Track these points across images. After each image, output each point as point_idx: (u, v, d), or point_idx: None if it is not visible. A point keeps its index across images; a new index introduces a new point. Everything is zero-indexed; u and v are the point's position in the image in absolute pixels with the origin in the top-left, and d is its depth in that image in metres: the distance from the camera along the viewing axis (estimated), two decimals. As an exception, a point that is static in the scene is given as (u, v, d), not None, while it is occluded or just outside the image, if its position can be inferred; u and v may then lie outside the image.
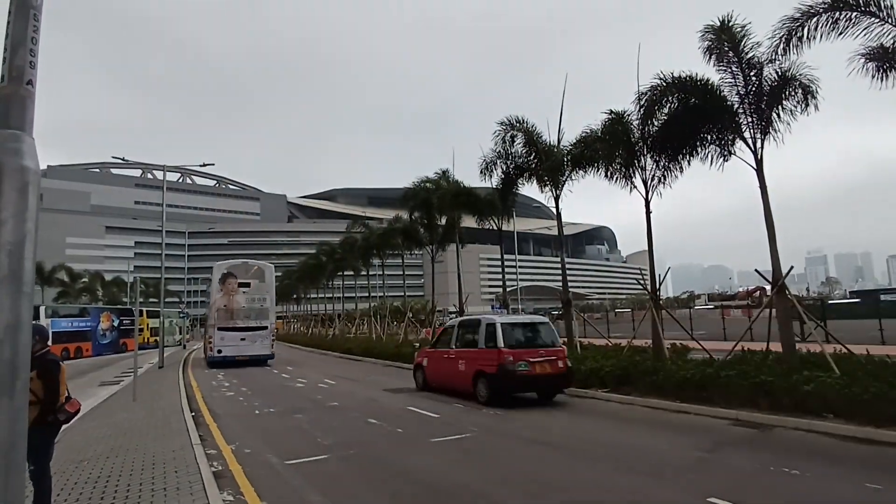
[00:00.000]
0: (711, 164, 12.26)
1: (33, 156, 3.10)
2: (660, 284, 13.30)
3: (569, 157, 15.51)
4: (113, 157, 30.14)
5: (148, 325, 47.23)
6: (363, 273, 37.81)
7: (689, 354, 13.39)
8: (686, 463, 6.80)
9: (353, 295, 43.69)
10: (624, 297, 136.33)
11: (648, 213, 13.39)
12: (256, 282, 25.15)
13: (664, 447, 7.61)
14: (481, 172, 17.68)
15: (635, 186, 13.55)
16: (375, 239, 31.31)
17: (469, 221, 24.26)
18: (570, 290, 16.68)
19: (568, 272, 16.81)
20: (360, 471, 6.91)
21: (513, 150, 16.93)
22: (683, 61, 12.87)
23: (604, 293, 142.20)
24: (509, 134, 16.61)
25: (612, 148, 13.52)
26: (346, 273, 41.67)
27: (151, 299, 64.70)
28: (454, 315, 60.96)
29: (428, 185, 23.36)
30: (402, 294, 42.81)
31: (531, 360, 11.00)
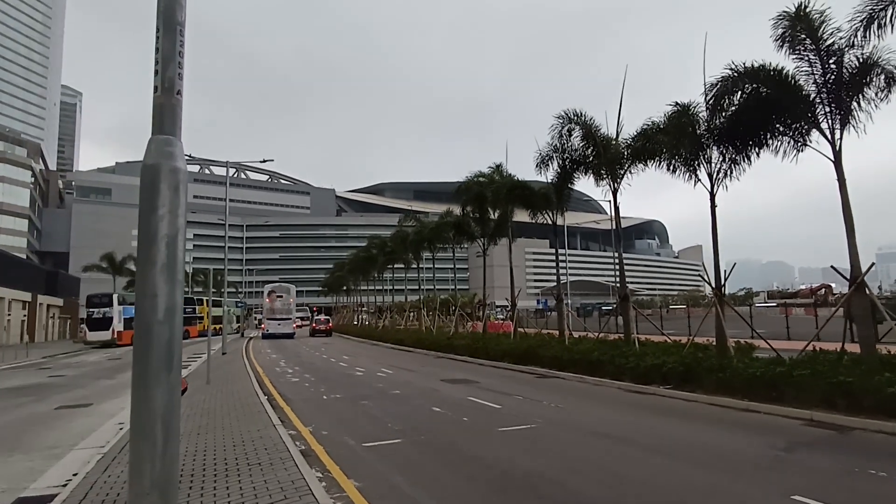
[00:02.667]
0: (784, 156, 11.83)
1: (182, 158, 3.49)
2: (725, 280, 12.95)
3: (629, 151, 15.26)
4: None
5: (209, 313, 49.65)
6: (413, 266, 38.40)
7: (755, 353, 13.02)
8: (763, 461, 6.71)
9: (403, 287, 44.44)
10: (676, 293, 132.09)
11: (713, 206, 13.02)
12: (285, 295, 47.51)
13: (737, 445, 7.51)
14: (537, 166, 17.63)
15: (699, 180, 13.20)
16: (427, 232, 31.71)
17: (519, 216, 24.25)
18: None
19: (616, 266, 16.57)
20: (433, 455, 7.20)
21: (570, 144, 16.77)
22: (746, 52, 12.41)
23: (654, 289, 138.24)
24: (566, 127, 16.46)
25: (676, 140, 13.20)
26: (395, 266, 42.43)
27: (211, 289, 67.82)
28: (499, 309, 60.65)
29: (481, 178, 23.44)
30: (451, 287, 43.05)
31: (320, 326, 50.94)
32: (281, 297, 46.47)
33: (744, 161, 12.79)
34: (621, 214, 16.55)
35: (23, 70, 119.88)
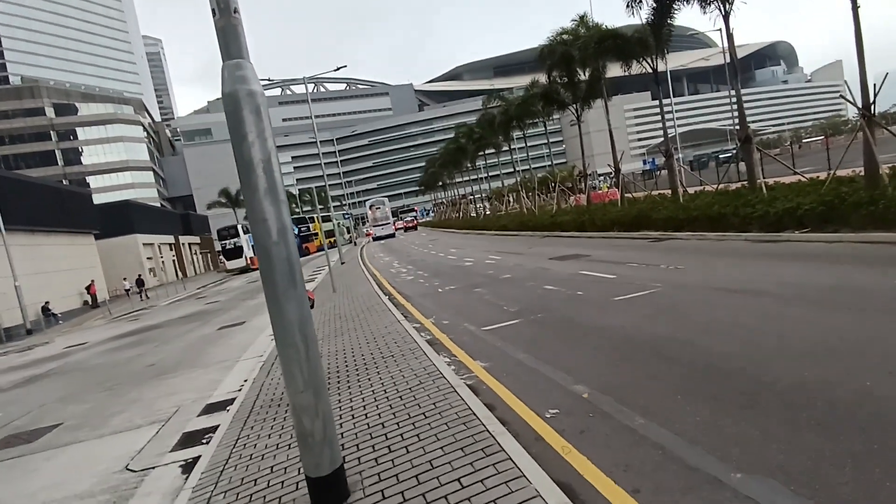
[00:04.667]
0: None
1: (256, 80, 3.39)
2: (875, 96, 10.87)
3: (741, -40, 12.69)
4: (260, 80, 32.31)
5: (321, 229, 53.72)
6: (504, 149, 37.30)
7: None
8: (931, 296, 5.95)
9: (498, 172, 43.82)
10: (810, 124, 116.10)
11: (856, 5, 10.62)
12: (382, 206, 59.43)
13: (894, 283, 6.71)
14: (627, 6, 15.41)
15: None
16: (514, 109, 30.12)
17: (612, 71, 21.91)
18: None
19: (734, 105, 14.55)
20: (553, 331, 7.32)
21: (665, -30, 14.32)
22: None
23: (782, 124, 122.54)
24: (659, -50, 13.97)
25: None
26: (487, 152, 41.58)
27: (317, 206, 72.41)
28: (602, 178, 58.32)
29: (564, 36, 21.16)
30: (548, 164, 41.60)
31: (407, 224, 67.97)
32: (379, 208, 59.53)
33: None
34: (736, 43, 14.21)
35: (104, 29, 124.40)
